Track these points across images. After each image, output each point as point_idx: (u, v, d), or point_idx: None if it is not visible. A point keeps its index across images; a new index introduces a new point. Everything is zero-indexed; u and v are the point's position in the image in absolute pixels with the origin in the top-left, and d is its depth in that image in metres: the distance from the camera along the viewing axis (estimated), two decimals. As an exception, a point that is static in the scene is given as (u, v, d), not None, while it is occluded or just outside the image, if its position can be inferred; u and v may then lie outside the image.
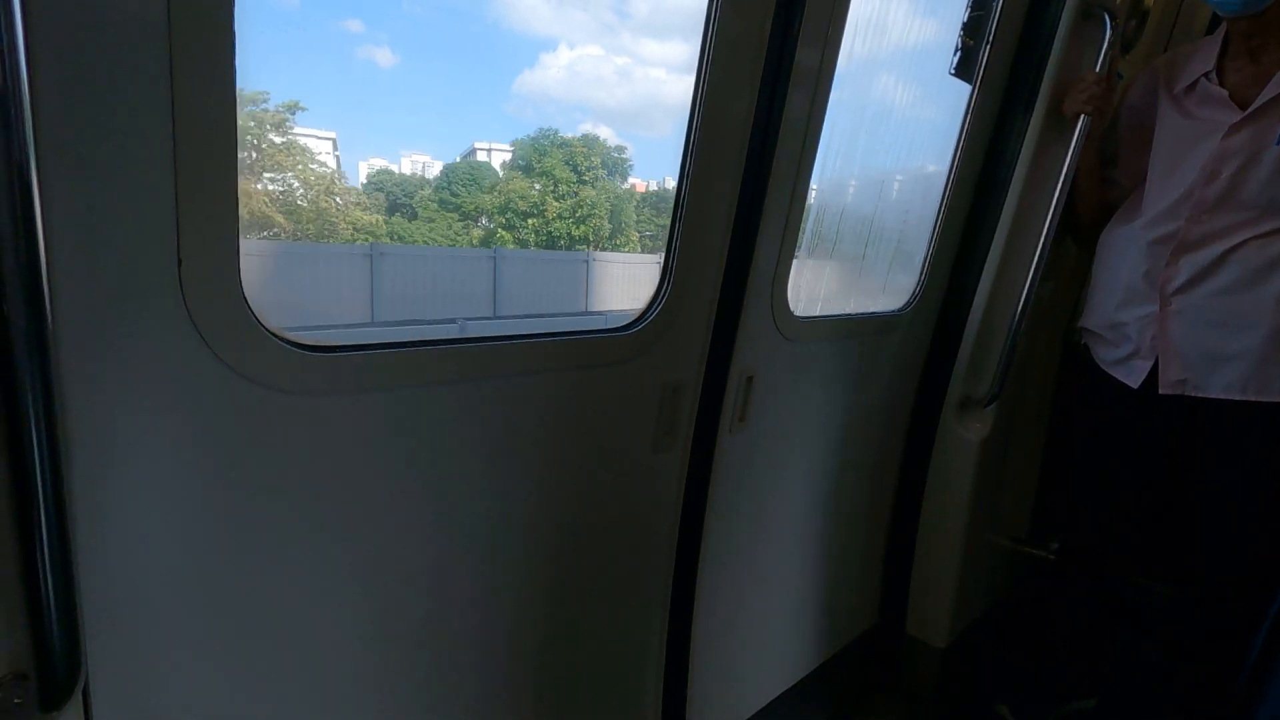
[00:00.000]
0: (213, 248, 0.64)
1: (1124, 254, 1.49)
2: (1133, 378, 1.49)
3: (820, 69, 1.13)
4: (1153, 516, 1.64)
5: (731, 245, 1.13)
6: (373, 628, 0.88)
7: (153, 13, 0.57)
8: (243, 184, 0.65)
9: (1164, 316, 1.41)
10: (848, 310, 1.60)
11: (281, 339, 0.71)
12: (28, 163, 0.48)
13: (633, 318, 1.07)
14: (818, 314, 1.46)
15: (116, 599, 0.66)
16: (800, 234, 1.26)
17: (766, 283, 1.20)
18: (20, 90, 0.47)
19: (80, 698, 0.60)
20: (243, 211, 0.65)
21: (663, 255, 1.08)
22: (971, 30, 1.45)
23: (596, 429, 1.06)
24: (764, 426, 1.32)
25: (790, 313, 1.27)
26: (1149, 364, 1.45)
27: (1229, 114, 1.35)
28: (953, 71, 1.45)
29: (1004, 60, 1.51)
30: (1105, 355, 1.57)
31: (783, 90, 1.09)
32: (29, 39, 0.48)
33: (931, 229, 1.60)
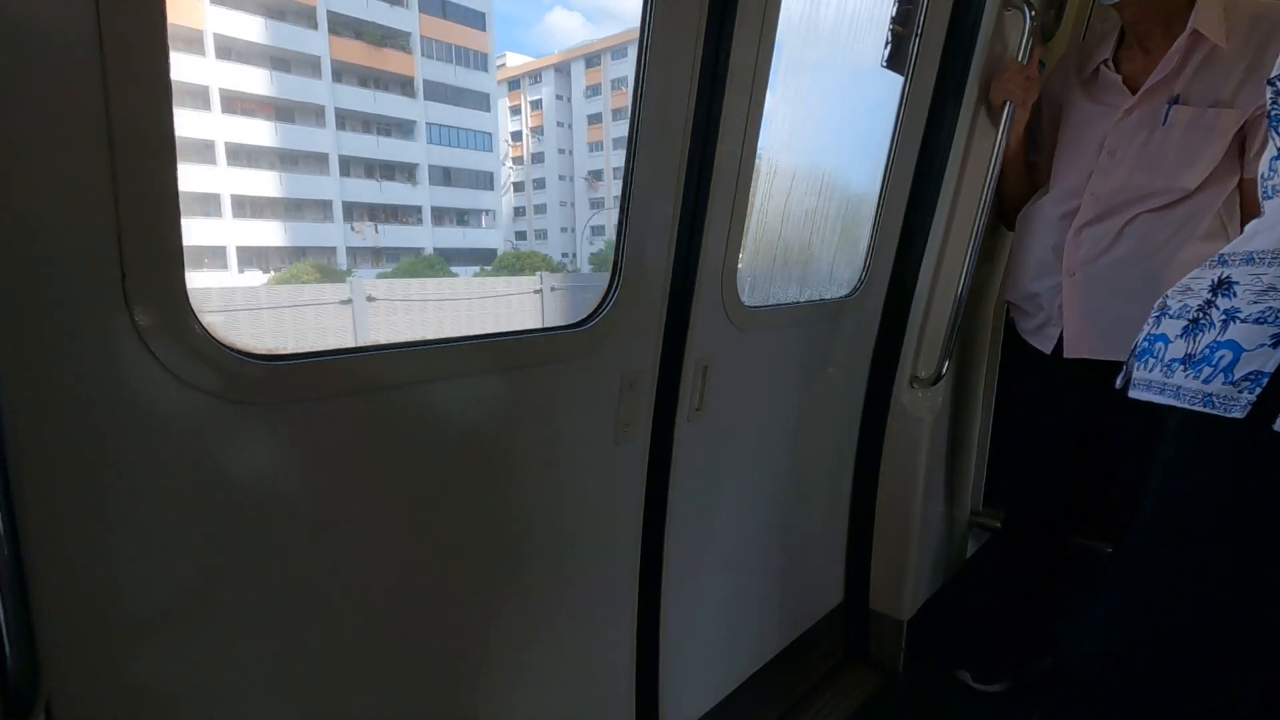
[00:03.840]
0: (157, 260, 0.64)
1: (1036, 229, 1.60)
2: (1046, 344, 1.60)
3: (756, 66, 1.16)
4: (1085, 475, 1.74)
5: (679, 240, 1.16)
6: (339, 632, 0.88)
7: (83, 24, 0.57)
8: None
9: (1069, 286, 1.51)
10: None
11: (230, 348, 0.71)
12: None
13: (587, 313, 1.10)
14: (767, 303, 1.50)
15: (76, 613, 0.65)
16: (746, 227, 1.29)
17: (715, 275, 1.23)
18: None
19: (42, 712, 0.59)
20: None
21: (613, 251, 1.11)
22: (900, 21, 1.51)
23: (557, 424, 1.08)
24: (722, 414, 1.36)
25: (740, 302, 1.31)
26: (1059, 330, 1.55)
27: (1123, 98, 1.46)
28: (884, 64, 1.51)
29: (933, 51, 1.57)
30: (1024, 325, 1.68)
31: (720, 88, 1.12)
32: None
33: (874, 215, 1.66)
